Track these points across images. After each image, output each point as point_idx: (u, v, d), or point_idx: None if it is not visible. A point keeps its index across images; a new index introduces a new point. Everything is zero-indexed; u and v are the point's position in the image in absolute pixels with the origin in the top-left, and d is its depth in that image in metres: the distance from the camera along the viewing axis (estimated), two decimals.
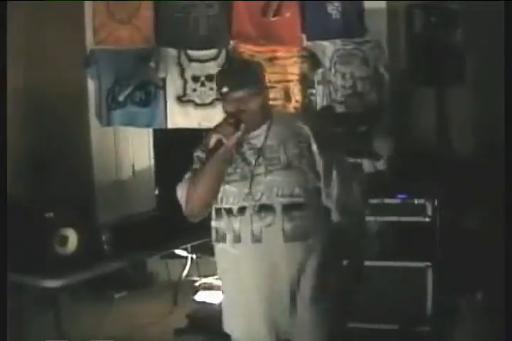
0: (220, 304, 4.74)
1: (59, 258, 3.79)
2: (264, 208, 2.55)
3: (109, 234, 4.05)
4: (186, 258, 5.29)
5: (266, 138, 2.60)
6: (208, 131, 2.67)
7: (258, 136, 2.61)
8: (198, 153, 2.71)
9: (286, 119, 2.77)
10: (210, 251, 5.06)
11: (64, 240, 3.85)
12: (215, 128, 2.56)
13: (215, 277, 5.14)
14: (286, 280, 2.58)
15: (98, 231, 4.05)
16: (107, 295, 5.32)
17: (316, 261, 2.59)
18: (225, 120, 2.57)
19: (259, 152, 2.58)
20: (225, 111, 2.60)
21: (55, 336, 3.84)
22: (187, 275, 5.33)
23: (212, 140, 2.52)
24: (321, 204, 2.65)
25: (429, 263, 4.22)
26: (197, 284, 5.29)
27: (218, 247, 2.69)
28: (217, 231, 2.66)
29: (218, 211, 2.63)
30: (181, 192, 2.64)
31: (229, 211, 2.60)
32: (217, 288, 4.99)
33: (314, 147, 2.59)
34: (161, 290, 5.48)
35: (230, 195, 2.59)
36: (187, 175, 2.66)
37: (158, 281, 5.77)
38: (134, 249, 4.13)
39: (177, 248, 4.89)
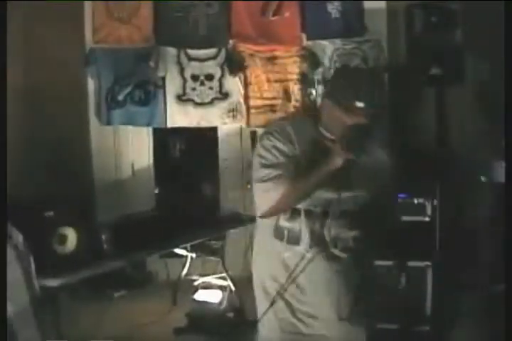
0: (220, 303, 4.79)
1: (58, 257, 3.77)
2: (345, 214, 2.61)
3: (108, 233, 4.04)
4: (186, 257, 5.28)
5: None
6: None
7: None
8: (280, 145, 2.57)
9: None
10: (209, 250, 5.12)
11: (63, 239, 3.83)
12: (342, 144, 2.45)
13: (215, 276, 5.15)
14: (352, 283, 2.68)
15: (97, 231, 4.03)
16: (106, 294, 5.32)
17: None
18: (346, 134, 2.47)
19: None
20: (341, 122, 2.50)
21: (54, 335, 3.84)
22: (186, 275, 5.33)
23: (339, 159, 2.43)
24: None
25: (428, 263, 4.22)
26: (196, 283, 5.28)
27: (284, 248, 2.65)
28: (289, 231, 2.63)
29: (295, 211, 2.60)
30: (274, 194, 2.51)
31: (309, 212, 2.60)
32: (216, 287, 5.01)
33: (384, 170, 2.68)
34: (160, 289, 5.48)
35: (316, 197, 2.55)
36: (273, 174, 2.53)
37: (157, 280, 5.78)
38: (133, 248, 4.12)
39: (176, 247, 4.89)
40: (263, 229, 2.73)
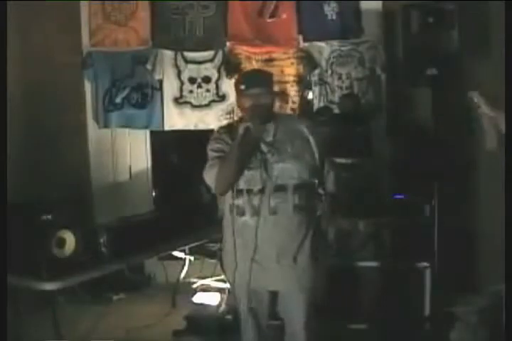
0: (218, 305, 4.79)
1: (56, 260, 3.77)
2: (279, 188, 3.15)
3: (106, 236, 4.03)
4: (184, 259, 5.28)
5: (275, 134, 3.19)
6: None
7: (268, 132, 3.18)
8: (216, 145, 3.24)
9: (290, 120, 3.42)
10: (207, 252, 5.12)
11: (61, 242, 3.83)
12: (241, 120, 3.21)
13: (213, 278, 5.15)
14: (294, 242, 3.20)
15: (96, 233, 4.03)
16: (105, 297, 5.32)
17: (313, 228, 3.25)
18: (245, 114, 3.20)
19: (271, 145, 3.17)
20: (241, 106, 3.23)
21: (53, 338, 3.84)
22: (185, 277, 5.33)
23: (241, 128, 3.05)
24: (316, 185, 3.29)
25: (427, 264, 4.22)
26: (195, 286, 5.29)
27: (239, 220, 3.20)
28: (237, 207, 3.19)
29: (239, 191, 3.18)
30: (211, 176, 3.18)
31: (249, 191, 3.16)
32: (216, 289, 5.00)
33: (312, 143, 3.21)
34: (159, 291, 5.48)
35: (251, 178, 3.15)
36: (210, 163, 3.20)
37: (156, 283, 5.77)
38: (131, 251, 4.13)
39: (175, 249, 4.88)
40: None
